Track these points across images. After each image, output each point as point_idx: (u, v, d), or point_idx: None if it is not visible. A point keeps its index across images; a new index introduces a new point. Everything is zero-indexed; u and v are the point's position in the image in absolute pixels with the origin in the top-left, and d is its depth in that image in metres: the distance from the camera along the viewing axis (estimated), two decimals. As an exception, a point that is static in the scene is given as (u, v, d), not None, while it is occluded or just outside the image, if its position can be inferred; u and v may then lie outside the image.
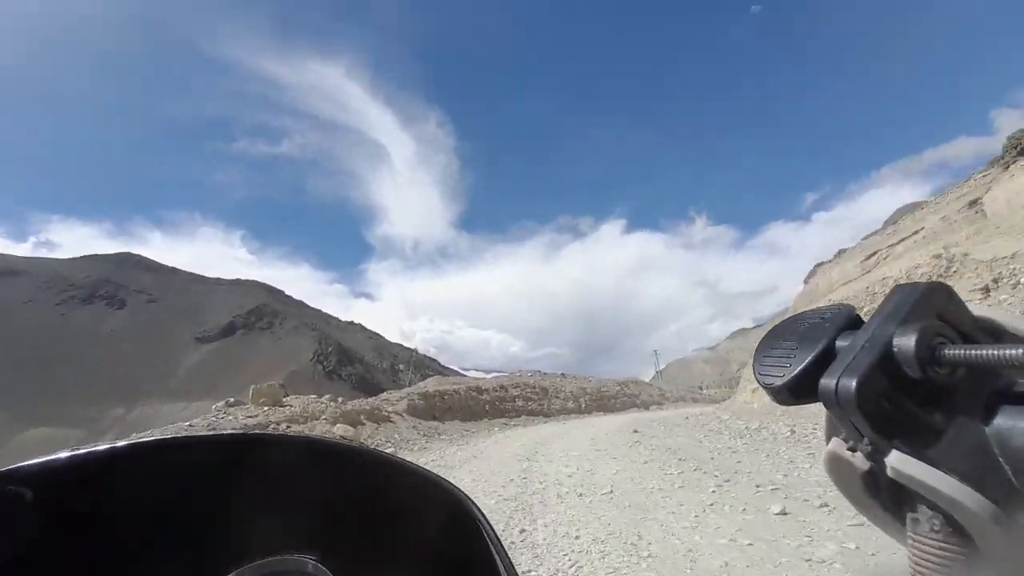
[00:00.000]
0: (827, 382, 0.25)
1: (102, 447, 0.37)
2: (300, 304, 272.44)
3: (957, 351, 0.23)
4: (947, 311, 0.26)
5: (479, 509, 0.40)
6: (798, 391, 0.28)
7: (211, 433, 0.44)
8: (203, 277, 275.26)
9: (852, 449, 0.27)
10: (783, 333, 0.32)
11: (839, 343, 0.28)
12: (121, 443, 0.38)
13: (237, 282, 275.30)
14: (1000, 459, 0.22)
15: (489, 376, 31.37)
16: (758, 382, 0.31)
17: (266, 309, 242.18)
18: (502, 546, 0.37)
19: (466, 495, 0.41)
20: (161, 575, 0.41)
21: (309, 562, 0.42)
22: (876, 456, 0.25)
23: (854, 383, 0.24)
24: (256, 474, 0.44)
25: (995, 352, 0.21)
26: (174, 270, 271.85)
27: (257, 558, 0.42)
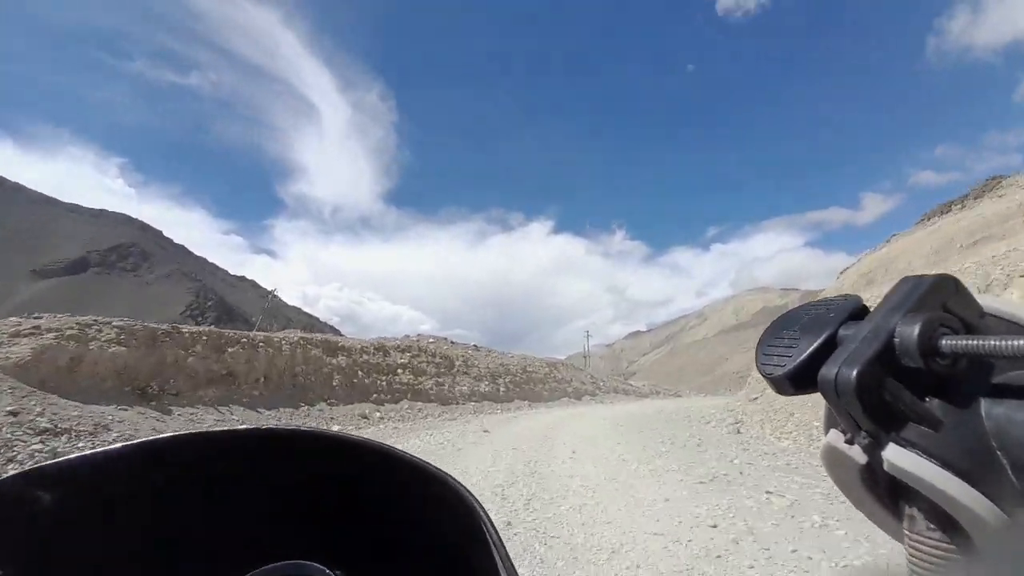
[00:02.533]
0: (827, 372, 0.24)
1: (115, 447, 0.35)
2: (181, 249, 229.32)
3: (957, 341, 0.22)
4: (953, 302, 0.25)
5: (482, 506, 0.38)
6: (799, 381, 0.27)
7: (218, 430, 0.40)
8: (56, 200, 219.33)
9: (850, 442, 0.25)
10: (787, 323, 0.31)
11: (843, 333, 0.27)
12: (129, 443, 0.36)
13: (101, 213, 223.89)
14: (999, 454, 0.21)
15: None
16: (760, 372, 0.29)
17: (133, 249, 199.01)
18: (503, 545, 0.35)
19: (470, 492, 0.39)
20: None
21: (314, 566, 0.41)
22: (874, 449, 0.24)
23: (854, 373, 0.23)
24: (260, 472, 0.42)
25: (997, 343, 0.20)
26: (18, 187, 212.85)
27: (263, 561, 0.40)
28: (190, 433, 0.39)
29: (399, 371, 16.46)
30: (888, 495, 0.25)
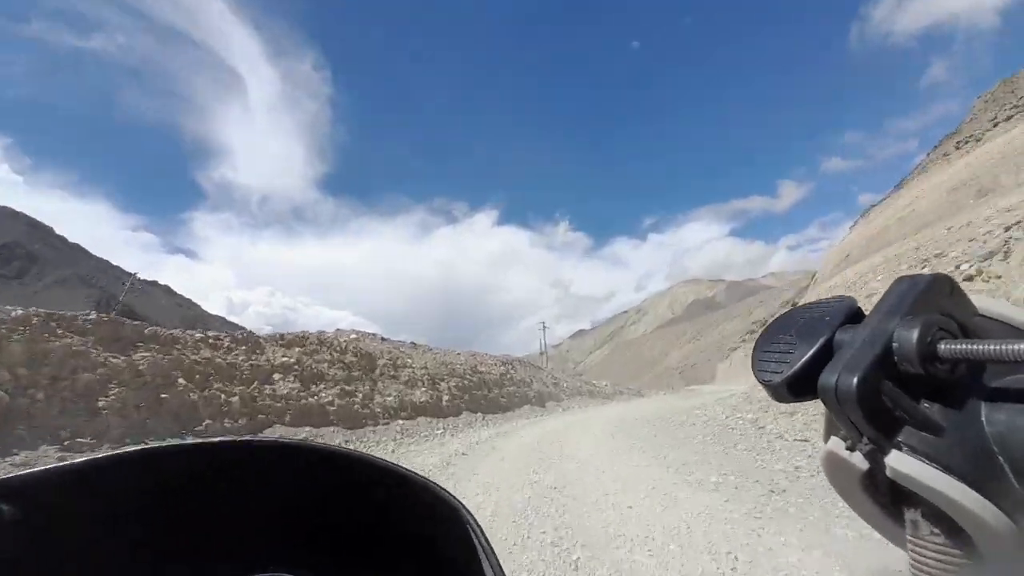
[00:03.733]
0: (827, 379, 0.24)
1: (82, 460, 0.35)
2: (78, 250, 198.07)
3: (956, 346, 0.22)
4: (950, 304, 0.25)
5: (472, 515, 0.37)
6: (797, 388, 0.27)
7: (198, 440, 0.40)
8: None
9: (851, 449, 0.25)
10: (782, 327, 0.31)
11: (839, 338, 0.27)
12: (102, 455, 0.36)
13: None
14: (1000, 458, 0.21)
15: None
16: (757, 379, 0.29)
17: (17, 250, 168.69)
18: (494, 553, 0.35)
19: (460, 501, 0.39)
20: None
21: None
22: (876, 456, 0.24)
23: (855, 380, 0.23)
24: (241, 482, 0.42)
25: (995, 347, 0.20)
26: None
27: (245, 573, 0.40)
28: (162, 446, 0.38)
29: (276, 377, 10.20)
30: (890, 501, 0.25)
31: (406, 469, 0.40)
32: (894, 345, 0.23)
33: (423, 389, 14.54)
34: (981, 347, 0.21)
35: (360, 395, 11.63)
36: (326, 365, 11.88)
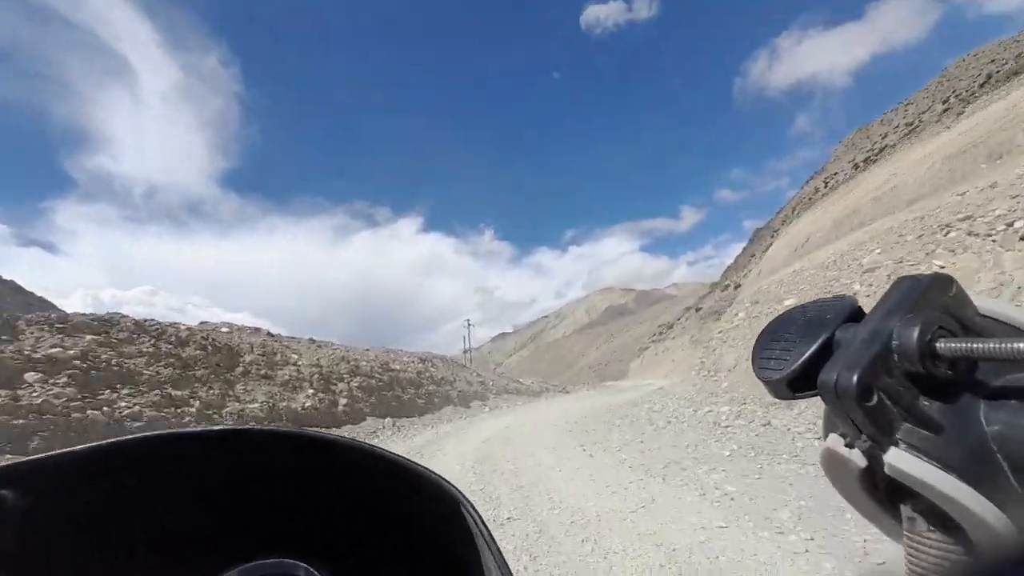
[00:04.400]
0: (827, 376, 0.24)
1: (84, 447, 0.35)
2: None
3: (955, 344, 0.22)
4: (951, 304, 0.25)
5: (468, 500, 0.38)
6: (797, 385, 0.27)
7: (198, 429, 0.40)
8: None
9: (850, 445, 0.25)
10: (783, 326, 0.30)
11: (840, 336, 0.27)
12: (104, 442, 0.36)
13: None
14: (999, 456, 0.21)
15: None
16: (757, 376, 0.29)
17: None
18: (493, 539, 0.35)
19: (453, 485, 0.39)
20: None
21: (301, 566, 0.40)
22: (874, 453, 0.23)
23: (854, 377, 0.22)
24: (244, 472, 0.42)
25: (995, 345, 0.20)
26: None
27: (247, 561, 0.40)
28: (162, 433, 0.38)
29: (31, 378, 6.14)
30: (888, 498, 0.25)
31: (404, 458, 0.40)
32: (894, 343, 0.23)
33: (309, 392, 10.91)
34: (980, 345, 0.21)
35: (198, 402, 7.82)
36: (142, 361, 7.85)
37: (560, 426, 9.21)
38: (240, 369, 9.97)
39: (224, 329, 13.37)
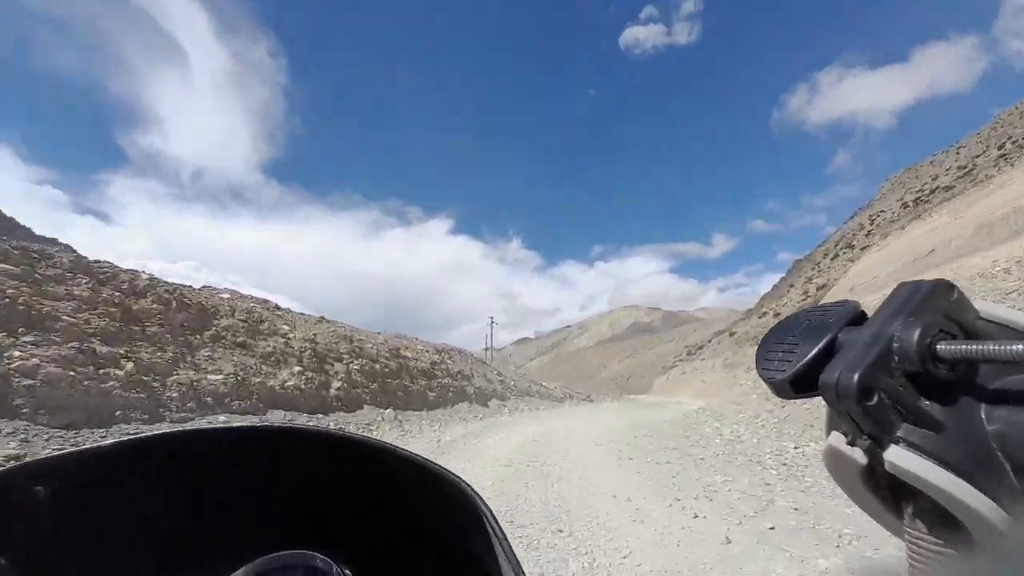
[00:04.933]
0: (828, 376, 0.24)
1: (106, 443, 0.36)
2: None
3: (955, 346, 0.22)
4: (952, 308, 0.25)
5: (483, 500, 0.38)
6: (800, 385, 0.27)
7: (217, 426, 0.43)
8: None
9: (852, 444, 0.25)
10: (787, 328, 0.31)
11: (842, 338, 0.27)
12: (125, 439, 0.37)
13: None
14: (999, 455, 0.21)
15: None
16: (761, 376, 0.29)
17: None
18: (506, 538, 0.35)
19: (469, 485, 0.39)
20: (167, 571, 0.40)
21: (317, 556, 0.41)
22: (875, 451, 0.24)
23: (855, 377, 0.23)
24: (262, 467, 0.43)
25: (994, 348, 0.20)
26: None
27: (265, 552, 0.41)
28: (186, 430, 0.40)
29: None
30: (889, 495, 0.25)
31: (422, 457, 0.40)
32: (895, 345, 0.23)
33: (296, 369, 8.89)
34: (980, 347, 0.21)
35: (131, 364, 5.83)
36: (69, 306, 5.95)
37: (608, 447, 6.82)
38: (211, 333, 8.07)
39: (225, 295, 11.63)
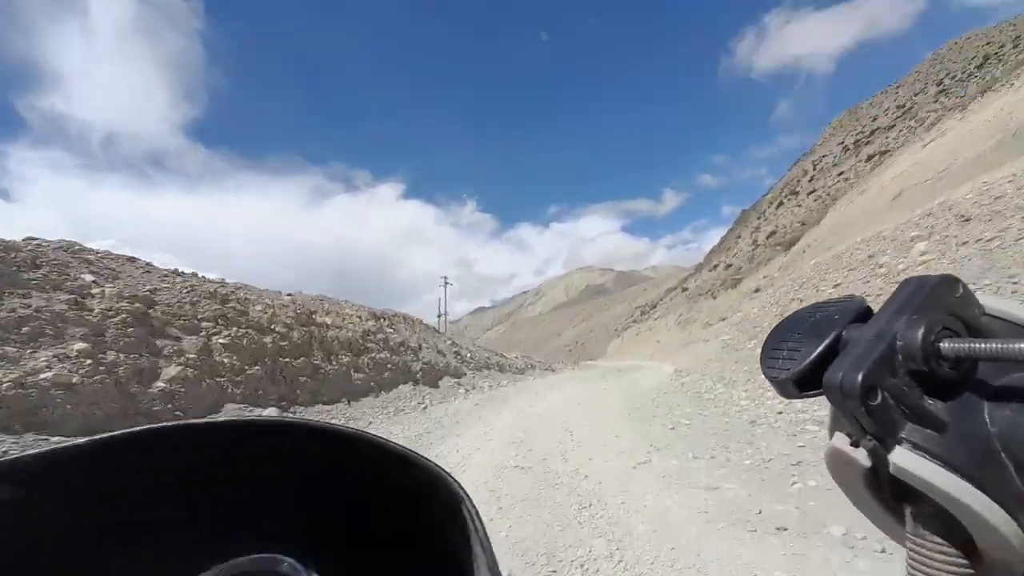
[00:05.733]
0: (832, 375, 0.24)
1: (77, 440, 0.35)
2: None
3: (958, 345, 0.22)
4: (957, 304, 0.25)
5: (468, 495, 0.36)
6: (804, 384, 0.26)
7: (193, 422, 0.39)
8: None
9: (855, 445, 0.25)
10: (791, 326, 0.30)
11: (847, 336, 0.27)
12: (99, 436, 0.35)
13: None
14: (1003, 456, 0.21)
15: None
16: (765, 375, 0.29)
17: None
18: (487, 536, 0.34)
19: (462, 486, 0.37)
20: (139, 570, 0.38)
21: (284, 561, 0.39)
22: (879, 452, 0.23)
23: (859, 377, 0.22)
24: (239, 463, 0.41)
25: (998, 346, 0.20)
26: None
27: (239, 554, 0.39)
28: (157, 426, 0.38)
29: None
30: (891, 497, 0.25)
31: (405, 448, 0.39)
32: (898, 343, 0.23)
33: (78, 348, 4.86)
34: (984, 346, 0.21)
35: None
36: None
37: (646, 454, 3.63)
38: None
39: (52, 244, 7.05)
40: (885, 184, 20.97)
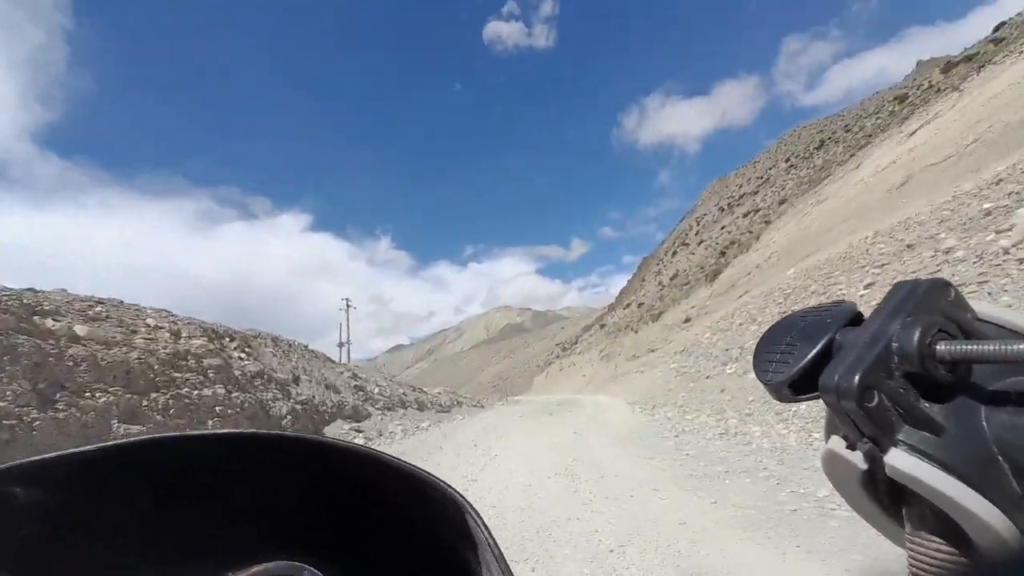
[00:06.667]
0: (828, 378, 0.24)
1: (90, 448, 0.35)
2: None
3: (953, 347, 0.21)
4: (950, 308, 0.25)
5: (472, 507, 0.37)
6: (799, 388, 0.26)
7: (206, 432, 0.40)
8: None
9: (851, 447, 0.24)
10: (783, 330, 0.30)
11: (840, 339, 0.26)
12: (111, 443, 0.36)
13: None
14: (1000, 458, 0.21)
15: None
16: (759, 379, 0.29)
17: None
18: (498, 547, 0.34)
19: (459, 493, 0.38)
20: None
21: (305, 568, 0.40)
22: (875, 454, 0.23)
23: (855, 379, 0.22)
24: (251, 475, 0.41)
25: (993, 348, 0.20)
26: None
27: (253, 562, 0.39)
28: (175, 435, 0.38)
29: None
30: (889, 499, 0.25)
31: (411, 465, 0.39)
32: (894, 346, 0.23)
33: None
34: (979, 348, 0.20)
35: None
36: None
37: None
38: None
39: None
40: (774, 240, 23.80)
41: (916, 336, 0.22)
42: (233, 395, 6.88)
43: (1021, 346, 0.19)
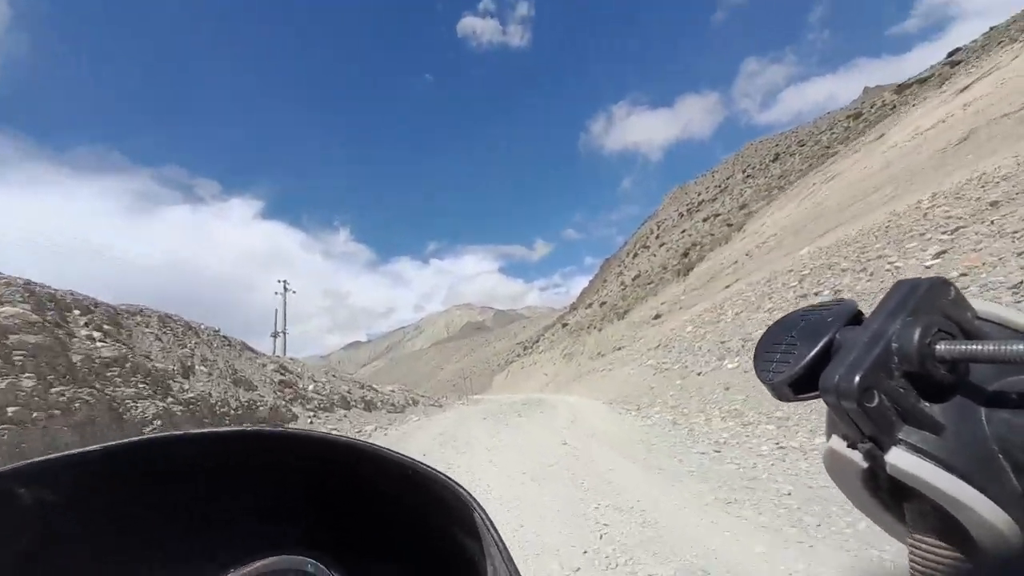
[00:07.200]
0: (828, 378, 0.24)
1: (97, 447, 0.35)
2: None
3: (953, 347, 0.21)
4: (950, 307, 0.24)
5: (477, 502, 0.37)
6: (799, 387, 0.26)
7: (207, 430, 0.40)
8: None
9: (852, 446, 0.24)
10: (783, 329, 0.30)
11: (840, 338, 0.26)
12: (116, 443, 0.36)
13: None
14: (1000, 457, 0.21)
15: None
16: (759, 378, 0.29)
17: None
18: (502, 542, 0.34)
19: (464, 489, 0.38)
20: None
21: (308, 561, 0.40)
22: (876, 453, 0.23)
23: (856, 378, 0.22)
24: (255, 471, 0.42)
25: (993, 348, 0.20)
26: None
27: (256, 558, 0.40)
28: (176, 434, 0.38)
29: None
30: (890, 498, 0.25)
31: (414, 460, 0.39)
32: (894, 345, 0.23)
33: None
34: (979, 348, 0.20)
35: None
36: None
37: None
38: None
39: None
40: (742, 242, 23.85)
41: (916, 336, 0.22)
42: (54, 389, 4.53)
43: (1020, 346, 0.19)
